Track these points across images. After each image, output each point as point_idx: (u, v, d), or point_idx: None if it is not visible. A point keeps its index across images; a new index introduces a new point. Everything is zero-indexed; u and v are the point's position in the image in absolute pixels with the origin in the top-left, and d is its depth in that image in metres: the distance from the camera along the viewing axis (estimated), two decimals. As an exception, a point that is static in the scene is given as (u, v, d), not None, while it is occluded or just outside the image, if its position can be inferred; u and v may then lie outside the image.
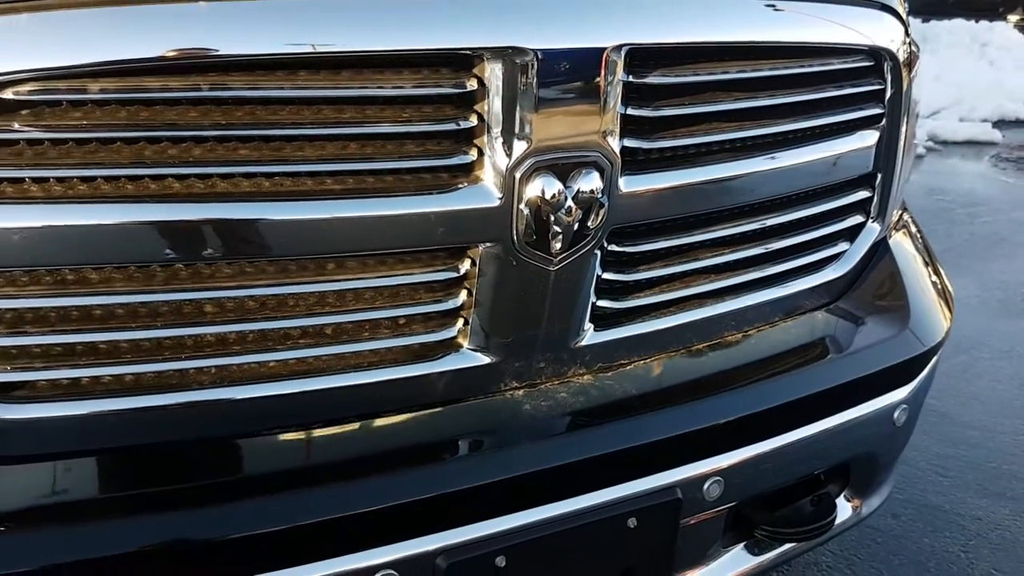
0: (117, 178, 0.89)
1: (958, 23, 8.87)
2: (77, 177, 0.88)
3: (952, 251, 4.12)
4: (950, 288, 1.60)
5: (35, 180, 0.87)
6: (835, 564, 2.02)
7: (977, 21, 8.93)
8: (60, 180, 0.88)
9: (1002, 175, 5.65)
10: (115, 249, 0.91)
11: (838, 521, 1.45)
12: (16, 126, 0.85)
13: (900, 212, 1.61)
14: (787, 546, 1.41)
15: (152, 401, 0.98)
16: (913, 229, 1.63)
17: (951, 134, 6.20)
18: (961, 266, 3.88)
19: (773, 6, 1.24)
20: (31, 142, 0.86)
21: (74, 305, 0.93)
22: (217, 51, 0.88)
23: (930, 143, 6.06)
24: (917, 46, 1.54)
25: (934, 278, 1.58)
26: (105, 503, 0.96)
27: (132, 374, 0.97)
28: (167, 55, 0.86)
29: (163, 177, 0.90)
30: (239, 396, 1.01)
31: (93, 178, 0.88)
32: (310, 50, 0.91)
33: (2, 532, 0.91)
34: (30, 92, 0.84)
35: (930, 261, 1.61)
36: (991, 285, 3.71)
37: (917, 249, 1.59)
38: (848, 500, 1.48)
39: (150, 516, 0.96)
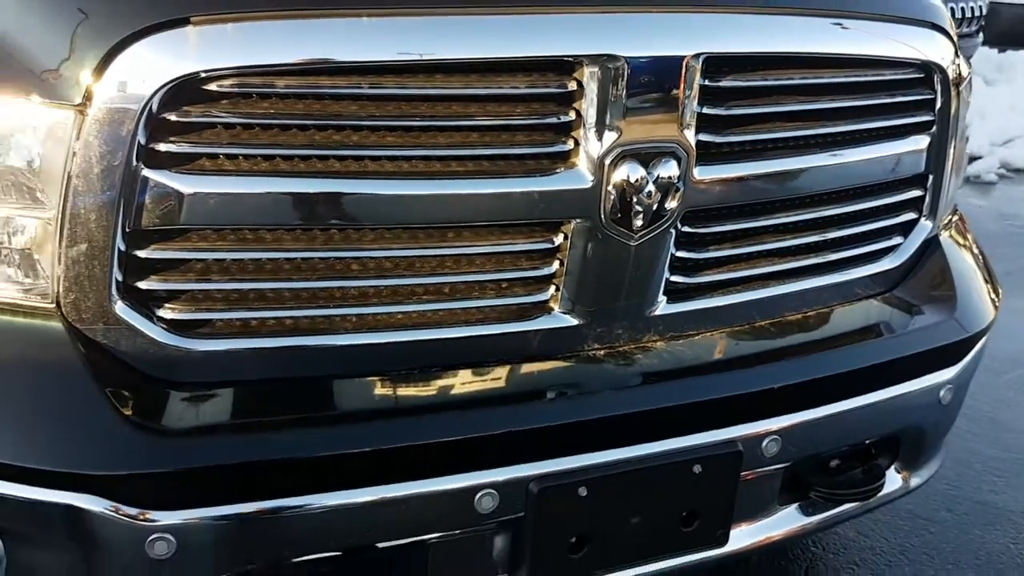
0: (291, 157, 1.12)
1: (1036, 52, 8.80)
2: (260, 155, 1.11)
3: (1017, 273, 4.15)
4: (997, 284, 1.73)
5: (227, 156, 1.11)
6: (889, 550, 2.14)
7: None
8: (247, 157, 1.11)
9: (1076, 202, 5.62)
10: (286, 214, 1.14)
11: (887, 490, 1.61)
12: (216, 112, 1.08)
13: (952, 214, 1.75)
14: (838, 509, 1.56)
15: (305, 342, 1.21)
16: (964, 229, 1.77)
17: (1023, 162, 6.19)
18: (1027, 287, 3.92)
19: (840, 24, 1.42)
20: (226, 125, 1.09)
21: (250, 259, 1.16)
22: (374, 58, 1.10)
23: (1003, 170, 6.05)
24: (969, 67, 1.69)
25: (982, 274, 1.71)
26: (272, 422, 1.18)
27: (291, 318, 1.19)
28: (336, 59, 1.09)
29: (327, 157, 1.13)
30: (375, 341, 1.23)
31: (273, 156, 1.11)
32: (443, 57, 1.13)
33: (187, 436, 1.14)
34: (229, 85, 1.08)
35: (980, 258, 1.75)
36: (1058, 305, 3.74)
37: (967, 247, 1.74)
38: (898, 472, 1.63)
39: (306, 432, 1.18)
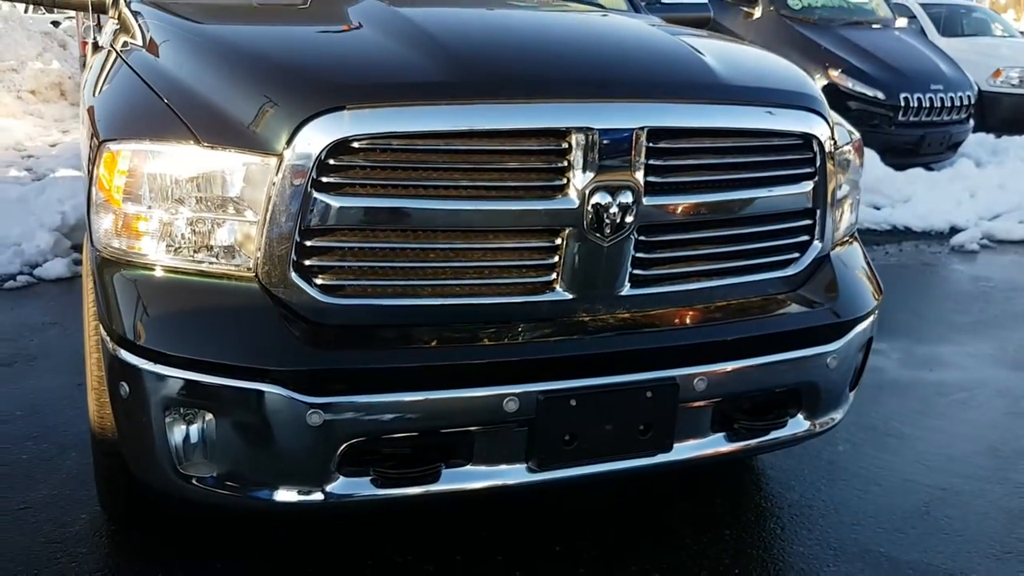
0: (398, 186, 1.88)
1: (1030, 138, 9.49)
2: (380, 184, 1.88)
3: (981, 323, 4.78)
4: (878, 287, 2.43)
5: (361, 185, 1.88)
6: (823, 507, 2.77)
7: (1049, 136, 9.53)
8: (372, 185, 1.88)
9: (1051, 269, 6.23)
10: (393, 220, 1.90)
11: (795, 431, 2.28)
12: (356, 159, 1.86)
13: (849, 239, 2.47)
14: (755, 440, 2.23)
15: (401, 302, 1.96)
16: (857, 249, 2.48)
17: (1006, 234, 6.82)
18: (985, 334, 4.56)
19: (746, 107, 2.17)
20: (361, 167, 1.87)
21: (369, 248, 1.91)
22: (448, 128, 1.88)
23: (985, 241, 6.69)
24: (854, 136, 2.43)
25: (865, 280, 2.42)
26: (380, 348, 1.92)
27: (393, 286, 1.94)
28: (424, 129, 1.87)
29: (419, 186, 1.89)
30: (441, 303, 1.97)
31: (387, 185, 1.88)
32: (490, 127, 1.91)
33: (329, 351, 1.87)
34: (364, 144, 1.85)
35: (865, 270, 2.45)
36: (1007, 347, 4.36)
37: (855, 262, 2.44)
38: (804, 419, 2.30)
39: (401, 352, 1.91)
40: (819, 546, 2.57)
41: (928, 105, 8.37)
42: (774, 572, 2.45)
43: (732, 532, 2.62)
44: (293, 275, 1.89)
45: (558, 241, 2.00)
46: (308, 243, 1.89)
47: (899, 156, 8.20)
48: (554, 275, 2.03)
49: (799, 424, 2.30)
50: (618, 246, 2.03)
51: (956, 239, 6.65)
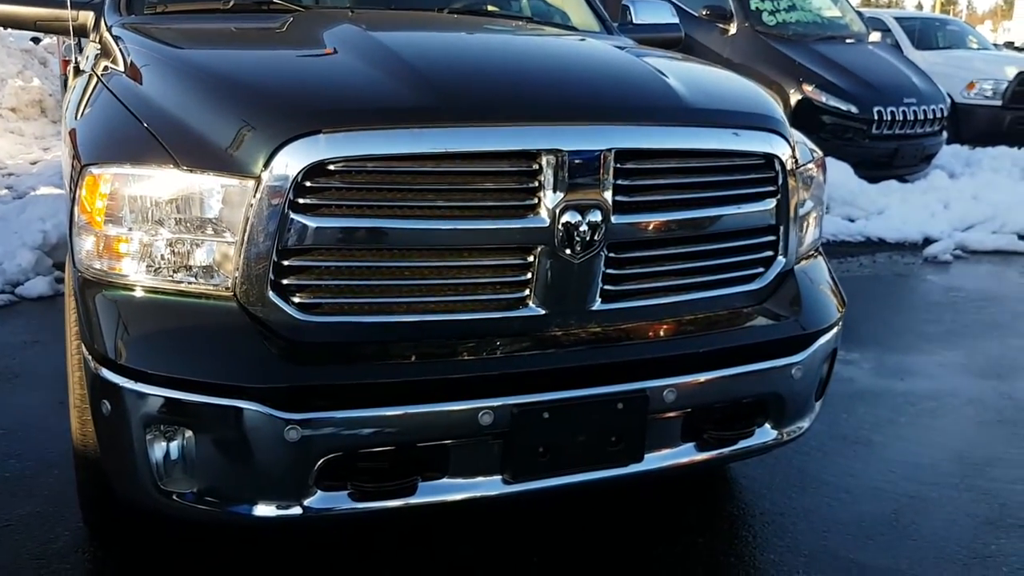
0: (372, 206, 1.94)
1: (1002, 150, 9.67)
2: (355, 205, 1.94)
3: (952, 332, 4.89)
4: (841, 300, 2.51)
5: (337, 206, 1.93)
6: (793, 514, 2.83)
7: (1020, 148, 9.72)
8: (348, 206, 1.94)
9: (1021, 278, 6.37)
10: (368, 239, 1.95)
11: (763, 440, 2.35)
12: (332, 181, 1.92)
13: (813, 253, 2.55)
14: (723, 449, 2.30)
15: (376, 319, 2.01)
16: (821, 263, 2.56)
17: (978, 244, 6.96)
18: (955, 343, 4.66)
19: (709, 129, 2.24)
20: (337, 188, 1.93)
21: (344, 267, 1.97)
22: (419, 151, 1.94)
23: (959, 251, 6.82)
24: (816, 154, 2.51)
25: (828, 294, 2.49)
26: (355, 363, 1.97)
27: (368, 303, 2.00)
28: (397, 152, 1.93)
29: (392, 207, 1.95)
30: (417, 320, 2.03)
31: (362, 205, 1.94)
32: (462, 149, 1.97)
33: (305, 367, 1.92)
34: (340, 166, 1.91)
35: (829, 283, 2.53)
36: (976, 357, 4.46)
37: (819, 276, 2.52)
38: (772, 428, 2.37)
39: (375, 368, 1.96)
40: (791, 553, 2.64)
41: (901, 118, 8.52)
42: (761, 555, 2.51)
43: (705, 540, 2.68)
44: (271, 294, 1.95)
45: (530, 259, 2.06)
46: (286, 262, 1.94)
47: (873, 168, 8.34)
48: (527, 291, 2.09)
49: (766, 433, 2.37)
50: (588, 263, 2.10)
51: (929, 250, 6.77)
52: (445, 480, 2.04)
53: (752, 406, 2.33)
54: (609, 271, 2.15)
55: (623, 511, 2.81)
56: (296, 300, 1.96)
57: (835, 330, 2.45)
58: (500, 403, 2.00)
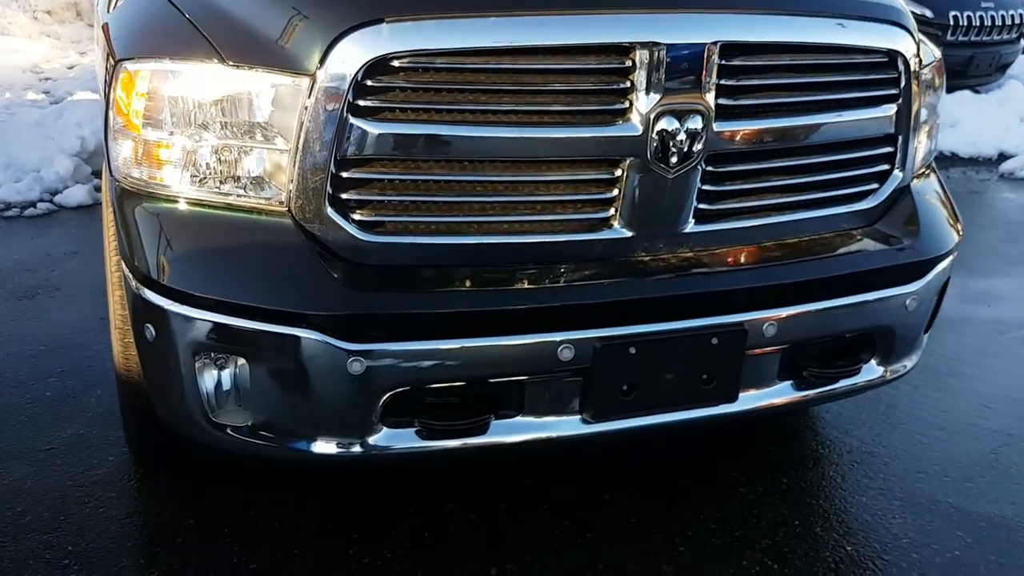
0: (442, 110, 1.69)
1: None
2: (423, 108, 1.69)
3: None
4: (959, 223, 2.23)
5: (402, 110, 1.69)
6: (886, 454, 2.62)
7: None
8: (414, 110, 1.69)
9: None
10: (437, 150, 1.71)
11: (868, 377, 2.12)
12: (397, 80, 1.67)
13: (926, 169, 2.26)
14: (825, 388, 2.07)
15: (445, 240, 1.78)
16: (935, 181, 2.27)
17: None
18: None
19: (826, 20, 1.94)
20: (403, 89, 1.68)
21: (411, 180, 1.74)
22: (499, 44, 1.68)
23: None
24: (936, 56, 2.20)
25: (945, 215, 2.21)
26: (425, 290, 1.76)
27: (437, 223, 1.77)
28: (473, 46, 1.67)
29: (465, 111, 1.70)
30: (490, 242, 1.80)
31: (431, 109, 1.69)
32: (545, 43, 1.70)
33: (370, 293, 1.72)
34: (407, 62, 1.66)
35: (945, 203, 2.24)
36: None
37: (935, 195, 2.24)
38: (877, 364, 2.13)
39: (447, 296, 1.75)
40: (883, 496, 2.43)
41: (978, 23, 7.93)
42: (837, 524, 2.31)
43: (789, 480, 2.49)
44: (329, 210, 1.73)
45: (618, 172, 1.81)
46: (344, 174, 1.72)
47: (947, 78, 7.81)
48: (612, 211, 1.84)
49: (872, 371, 2.13)
50: (684, 178, 1.84)
51: (1005, 166, 6.35)
52: (519, 419, 1.85)
53: (858, 341, 2.09)
54: (705, 187, 1.89)
55: (698, 444, 2.61)
56: (356, 217, 1.74)
57: (952, 256, 2.18)
58: (582, 336, 1.78)
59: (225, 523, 2.24)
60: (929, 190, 2.24)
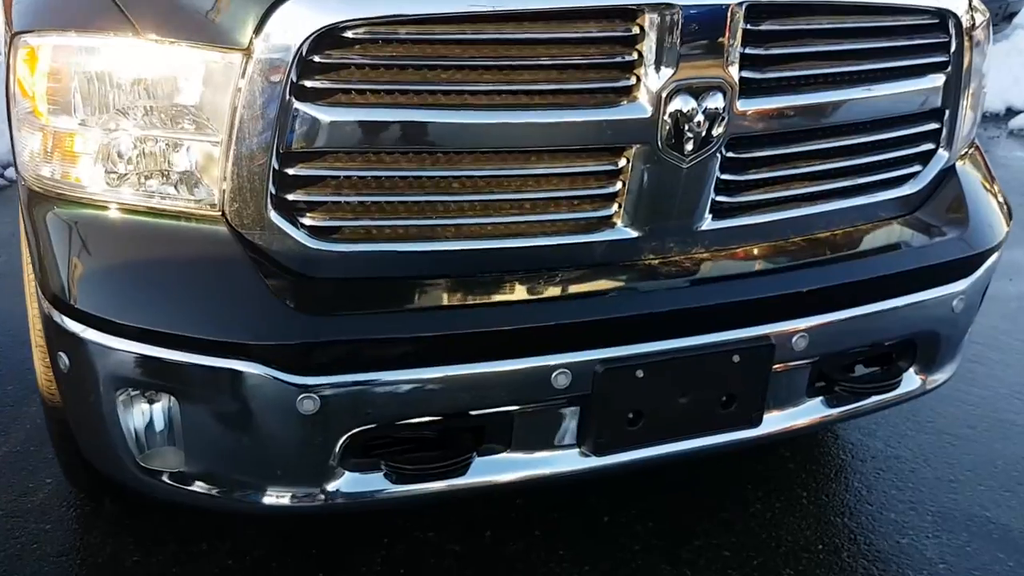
0: (408, 92, 1.38)
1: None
2: (384, 90, 1.38)
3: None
4: (1009, 209, 1.94)
5: (358, 91, 1.38)
6: (912, 459, 2.37)
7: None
8: (373, 92, 1.38)
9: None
10: (402, 139, 1.41)
11: (906, 389, 1.85)
12: (351, 55, 1.35)
13: (969, 147, 1.96)
14: (860, 402, 1.80)
15: (415, 247, 1.49)
16: (979, 159, 1.98)
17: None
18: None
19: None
20: (359, 66, 1.36)
21: (373, 176, 1.43)
22: (474, 9, 1.36)
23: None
24: (983, 14, 1.88)
25: (994, 200, 1.92)
26: (390, 310, 1.47)
27: (404, 227, 1.47)
28: (443, 11, 1.35)
29: (436, 92, 1.39)
30: (471, 248, 1.50)
31: (393, 91, 1.38)
32: (530, 7, 1.38)
33: (324, 316, 1.43)
34: (362, 33, 1.34)
35: (993, 187, 1.95)
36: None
37: (982, 176, 1.94)
38: (916, 373, 1.86)
39: (417, 318, 1.46)
40: (914, 511, 2.18)
41: (984, -30, 7.58)
42: (866, 548, 2.06)
43: (810, 495, 2.23)
44: (272, 214, 1.42)
45: (622, 162, 1.51)
46: (290, 171, 1.41)
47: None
48: (615, 207, 1.55)
49: (911, 381, 1.86)
50: (700, 167, 1.54)
51: (1014, 122, 6.06)
52: (507, 455, 1.57)
53: (897, 349, 1.81)
54: (725, 177, 1.59)
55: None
56: (307, 222, 1.44)
57: (1001, 249, 1.90)
58: (580, 359, 1.50)
59: (173, 560, 1.96)
60: (975, 170, 1.95)
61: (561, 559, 1.99)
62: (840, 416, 1.80)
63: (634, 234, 1.57)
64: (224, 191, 1.42)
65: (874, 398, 1.81)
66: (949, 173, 1.86)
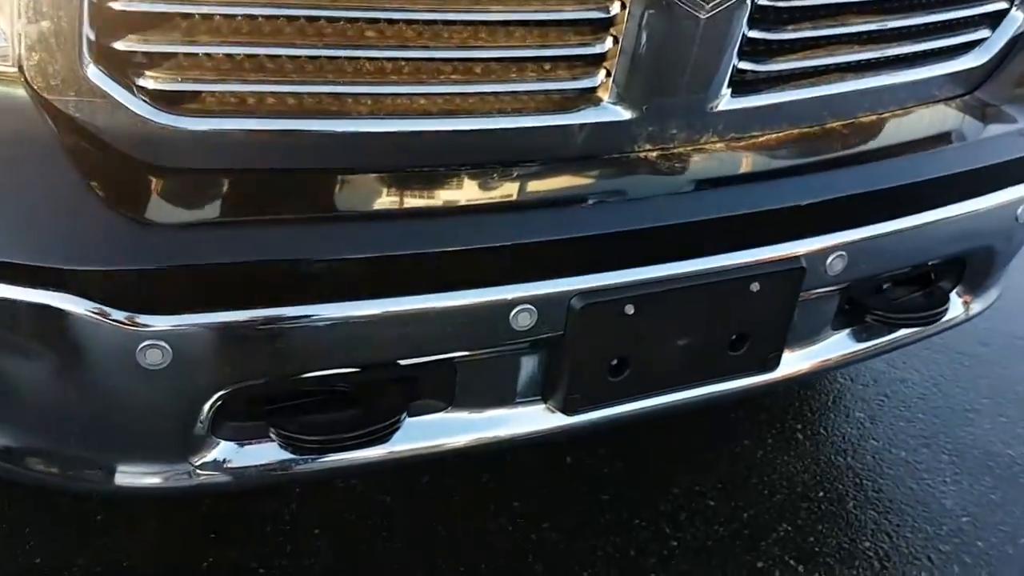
0: None
1: None
2: None
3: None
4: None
5: None
6: (921, 382, 2.05)
7: None
8: None
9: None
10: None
11: (950, 318, 1.48)
12: None
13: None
14: (893, 335, 1.44)
15: (312, 126, 1.02)
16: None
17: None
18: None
19: None
20: None
21: (245, 14, 0.95)
22: None
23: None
24: None
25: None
26: (274, 219, 1.01)
27: (296, 94, 1.00)
28: None
29: None
30: (394, 129, 1.05)
31: None
32: None
33: (177, 229, 0.98)
34: None
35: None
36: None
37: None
38: (960, 296, 1.49)
39: (314, 231, 1.01)
40: (927, 448, 1.86)
41: None
42: (874, 495, 1.74)
43: (805, 428, 1.90)
44: (91, 70, 0.94)
45: (615, 8, 1.05)
46: (116, 4, 0.92)
47: None
48: (601, 76, 1.10)
49: (953, 308, 1.49)
50: (723, 17, 1.09)
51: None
52: (448, 414, 1.17)
53: (941, 269, 1.44)
54: (754, 34, 1.15)
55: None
56: (147, 84, 0.96)
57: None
58: (549, 290, 1.08)
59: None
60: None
61: (514, 513, 1.63)
62: (868, 352, 1.44)
63: (626, 115, 1.12)
64: (19, 34, 0.93)
65: (912, 329, 1.44)
66: (1020, 41, 1.44)
